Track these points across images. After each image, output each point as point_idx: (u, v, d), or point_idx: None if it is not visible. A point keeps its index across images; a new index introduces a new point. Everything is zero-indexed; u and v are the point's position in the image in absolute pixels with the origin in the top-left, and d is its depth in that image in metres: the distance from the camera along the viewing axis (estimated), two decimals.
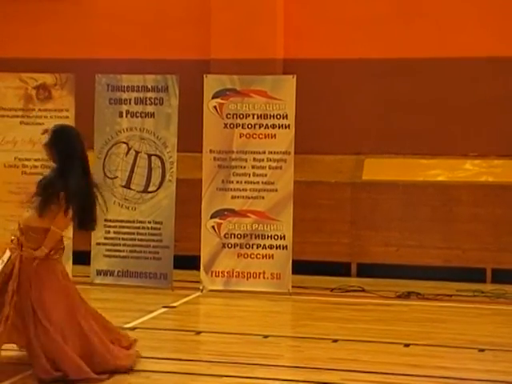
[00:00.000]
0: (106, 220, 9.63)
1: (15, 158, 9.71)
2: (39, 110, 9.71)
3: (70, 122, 9.50)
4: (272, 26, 10.77)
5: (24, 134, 9.70)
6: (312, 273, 10.23)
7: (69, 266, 8.79)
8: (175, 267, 9.57)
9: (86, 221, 6.26)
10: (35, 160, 9.49)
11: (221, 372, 6.29)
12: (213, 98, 9.51)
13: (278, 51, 10.84)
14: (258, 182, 9.48)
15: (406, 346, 7.18)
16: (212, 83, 9.56)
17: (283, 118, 9.44)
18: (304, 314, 8.60)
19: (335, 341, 7.31)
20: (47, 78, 9.79)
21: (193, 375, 6.24)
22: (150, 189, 9.65)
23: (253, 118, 9.49)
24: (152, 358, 6.58)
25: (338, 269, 10.37)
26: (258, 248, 9.44)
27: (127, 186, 9.69)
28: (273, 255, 9.41)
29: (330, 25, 10.82)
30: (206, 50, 10.80)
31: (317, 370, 6.39)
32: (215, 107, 9.52)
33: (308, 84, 10.39)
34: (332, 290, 9.60)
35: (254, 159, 9.49)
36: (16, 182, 9.51)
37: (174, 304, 8.77)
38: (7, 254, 6.13)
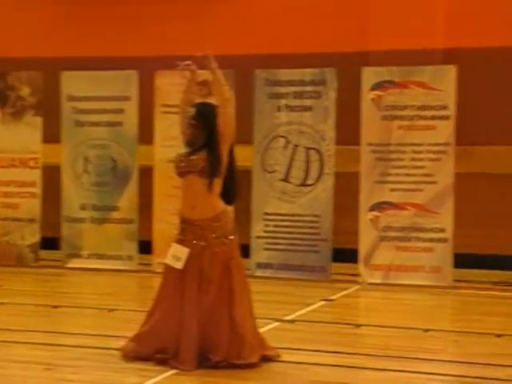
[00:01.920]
0: (265, 213, 9.77)
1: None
2: None
3: None
4: (432, 14, 10.56)
5: None
6: (474, 266, 10.00)
7: None
8: (333, 260, 9.58)
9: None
10: None
11: (381, 366, 6.24)
12: (371, 90, 9.45)
13: (438, 40, 10.63)
14: (416, 175, 9.35)
15: None
16: (370, 75, 9.49)
17: (443, 109, 9.28)
18: (465, 308, 8.43)
19: (499, 336, 7.12)
20: (209, 75, 9.96)
21: (352, 368, 6.22)
22: (308, 182, 9.69)
23: (411, 109, 9.37)
24: (311, 350, 6.60)
25: (502, 262, 10.09)
26: (417, 241, 9.32)
27: (286, 179, 9.76)
28: (432, 248, 9.27)
29: (494, 11, 10.47)
30: (363, 42, 10.72)
31: (478, 366, 6.25)
32: (373, 99, 9.45)
33: (470, 74, 10.12)
34: (495, 283, 9.36)
35: (413, 151, 9.37)
36: None
37: (333, 297, 8.78)
38: (182, 249, 6.09)
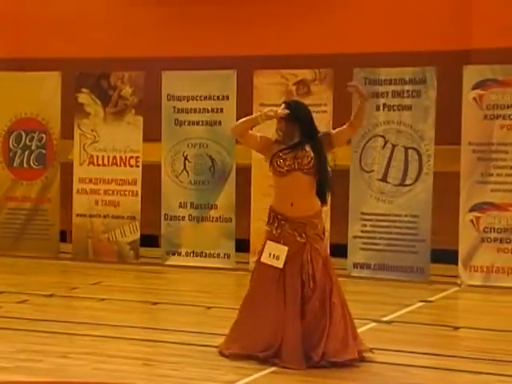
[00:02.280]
0: (362, 213, 9.71)
1: None
2: None
3: (329, 117, 9.69)
4: None
5: None
6: None
7: None
8: (432, 261, 9.46)
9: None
10: None
11: (479, 369, 6.13)
12: (472, 88, 9.29)
13: None
14: None
15: None
16: (472, 74, 9.33)
17: None
18: None
19: None
20: (307, 74, 9.97)
21: (451, 371, 6.13)
22: (406, 182, 9.59)
23: None
24: (409, 352, 6.53)
25: None
26: None
27: (383, 179, 9.69)
28: None
29: None
30: (465, 40, 10.55)
31: None
32: (475, 98, 9.29)
33: None
34: None
35: None
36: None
37: (431, 298, 8.67)
38: (280, 247, 6.05)
